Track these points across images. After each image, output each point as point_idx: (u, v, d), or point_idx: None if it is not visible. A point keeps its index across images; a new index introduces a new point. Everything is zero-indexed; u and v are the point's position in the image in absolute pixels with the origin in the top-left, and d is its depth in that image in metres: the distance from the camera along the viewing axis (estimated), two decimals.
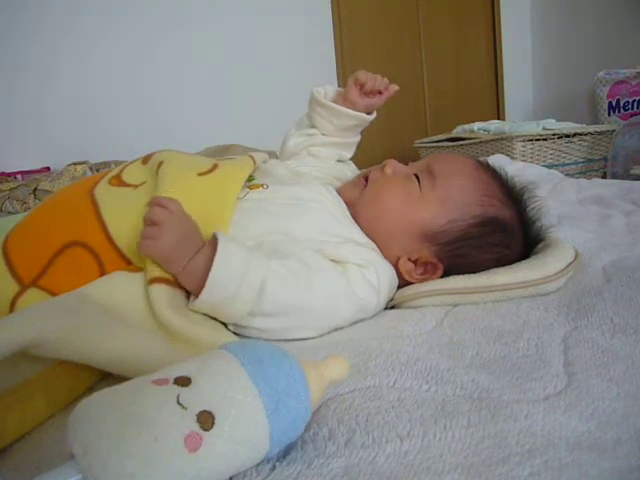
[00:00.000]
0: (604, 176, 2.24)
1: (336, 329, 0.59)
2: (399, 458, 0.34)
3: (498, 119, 3.08)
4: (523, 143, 2.21)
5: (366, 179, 0.72)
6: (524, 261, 0.66)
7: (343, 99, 0.81)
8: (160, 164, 0.64)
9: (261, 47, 2.52)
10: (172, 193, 0.58)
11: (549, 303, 0.59)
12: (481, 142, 2.38)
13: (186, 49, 2.37)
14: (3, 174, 1.87)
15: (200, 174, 0.64)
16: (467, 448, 0.35)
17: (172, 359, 0.38)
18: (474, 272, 0.64)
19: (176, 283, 0.55)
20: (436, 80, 3.10)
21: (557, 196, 1.24)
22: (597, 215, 1.02)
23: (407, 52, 3.02)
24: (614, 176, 2.15)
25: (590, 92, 2.85)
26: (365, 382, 0.43)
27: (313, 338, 0.57)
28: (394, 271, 0.65)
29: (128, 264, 0.58)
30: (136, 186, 0.63)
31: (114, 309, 0.51)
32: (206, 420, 0.30)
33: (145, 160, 0.68)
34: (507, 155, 2.00)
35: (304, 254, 0.59)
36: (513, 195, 0.69)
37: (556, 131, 2.24)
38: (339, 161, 0.85)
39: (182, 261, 0.53)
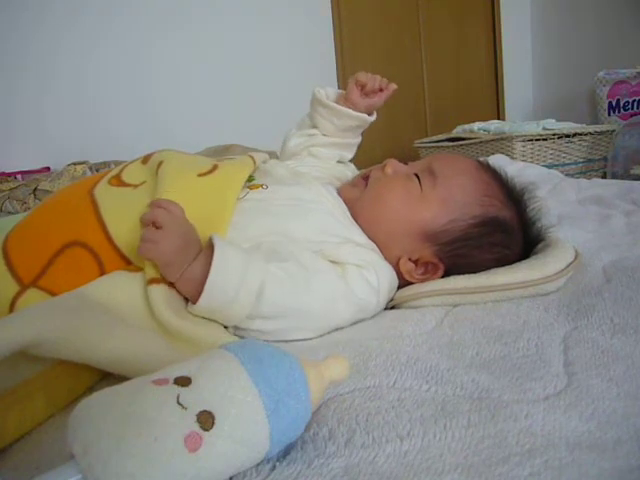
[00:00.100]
0: (604, 176, 2.24)
1: (336, 329, 0.59)
2: (399, 458, 0.34)
3: (498, 119, 3.08)
4: (523, 143, 2.21)
5: (366, 179, 0.72)
6: (524, 261, 0.66)
7: (344, 100, 0.81)
8: (160, 164, 0.64)
9: (261, 47, 2.52)
10: (172, 193, 0.58)
11: (549, 303, 0.59)
12: (481, 142, 2.38)
13: (186, 49, 2.37)
14: (3, 174, 1.87)
15: (200, 175, 0.64)
16: (467, 448, 0.35)
17: (172, 359, 0.38)
18: (474, 272, 0.64)
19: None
20: (436, 80, 3.10)
21: (557, 196, 1.24)
22: (597, 215, 1.02)
23: (407, 52, 3.02)
24: (614, 176, 2.15)
25: (590, 92, 2.85)
26: (365, 382, 0.43)
27: (313, 339, 0.57)
28: (394, 272, 0.65)
29: (128, 264, 0.58)
30: (136, 186, 0.63)
31: (114, 309, 0.51)
32: (206, 420, 0.30)
33: (145, 160, 0.68)
34: (507, 155, 2.00)
35: (303, 255, 0.59)
36: (513, 196, 0.69)
37: (556, 131, 2.24)
38: (339, 162, 0.85)
39: (180, 267, 0.53)
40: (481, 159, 0.77)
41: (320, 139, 0.82)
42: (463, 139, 2.49)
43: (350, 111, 0.80)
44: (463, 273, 0.64)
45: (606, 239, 0.84)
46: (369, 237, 0.66)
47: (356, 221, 0.67)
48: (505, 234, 0.66)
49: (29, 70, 2.08)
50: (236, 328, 0.56)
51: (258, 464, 0.34)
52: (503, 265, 0.65)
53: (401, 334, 0.54)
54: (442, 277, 0.66)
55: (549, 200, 1.12)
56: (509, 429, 0.36)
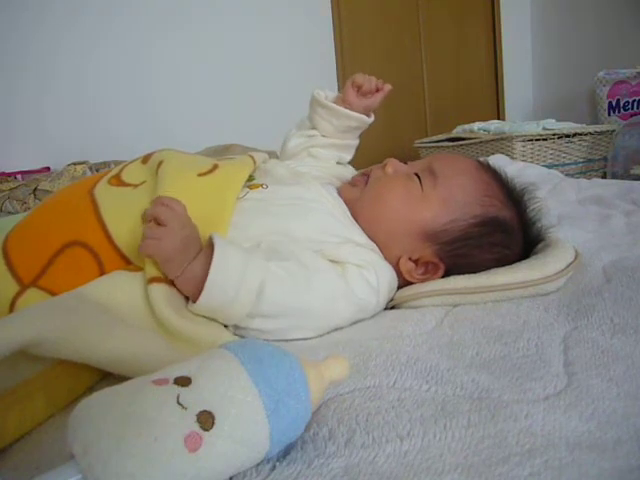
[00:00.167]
0: (604, 176, 2.24)
1: (336, 329, 0.59)
2: (399, 458, 0.34)
3: (498, 119, 3.08)
4: (523, 143, 2.21)
5: (366, 178, 0.72)
6: (524, 261, 0.66)
7: (342, 101, 0.82)
8: (160, 164, 0.64)
9: (261, 47, 2.52)
10: (172, 193, 0.58)
11: (549, 303, 0.59)
12: (481, 142, 2.38)
13: (186, 49, 2.37)
14: (3, 174, 1.87)
15: (200, 174, 0.64)
16: (467, 448, 0.35)
17: (172, 359, 0.38)
18: (474, 272, 0.64)
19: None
20: (436, 80, 3.10)
21: (557, 196, 1.24)
22: (597, 215, 1.02)
23: (407, 52, 3.02)
24: (614, 176, 2.15)
25: (590, 92, 2.85)
26: (365, 382, 0.43)
27: (313, 338, 0.57)
28: (394, 272, 0.65)
29: (128, 264, 0.58)
30: (136, 186, 0.63)
31: (114, 309, 0.51)
32: (206, 420, 0.30)
33: (145, 160, 0.68)
34: (507, 155, 2.00)
35: (303, 255, 0.59)
36: (513, 196, 0.69)
37: (556, 131, 2.24)
38: (338, 163, 0.85)
39: (181, 264, 0.53)
40: (481, 159, 0.77)
41: (319, 140, 0.83)
42: (463, 139, 2.49)
43: (348, 111, 0.80)
44: (463, 273, 0.64)
45: (606, 239, 0.84)
46: (369, 237, 0.66)
47: (356, 221, 0.67)
48: (505, 234, 0.66)
49: (29, 70, 2.08)
50: (236, 327, 0.56)
51: (258, 464, 0.34)
52: (503, 265, 0.65)
53: (401, 334, 0.54)
54: (442, 277, 0.66)
55: (549, 200, 1.13)
56: (509, 429, 0.36)
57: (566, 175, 1.64)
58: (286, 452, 0.35)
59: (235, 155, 0.78)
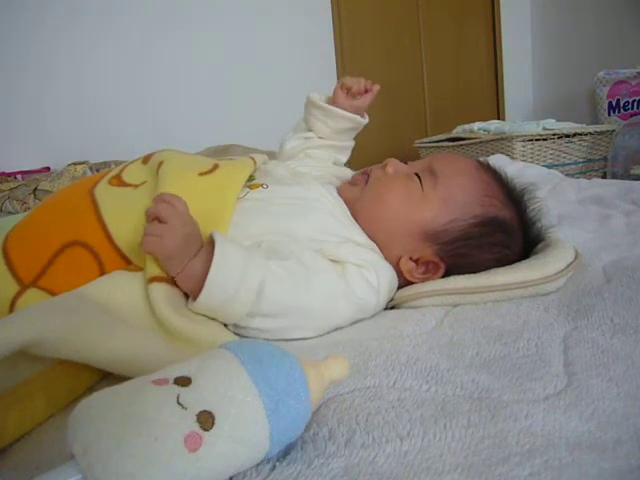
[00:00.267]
0: (604, 176, 2.24)
1: (336, 329, 0.59)
2: (399, 458, 0.34)
3: (498, 119, 3.08)
4: (523, 143, 2.21)
5: (366, 178, 0.72)
6: (524, 261, 0.66)
7: (332, 103, 0.83)
8: (160, 164, 0.64)
9: (261, 47, 2.52)
10: (173, 192, 0.58)
11: (549, 303, 0.59)
12: (481, 142, 2.38)
13: (186, 49, 2.37)
14: (3, 174, 1.87)
15: (201, 174, 0.64)
16: (467, 448, 0.35)
17: (172, 359, 0.38)
18: (474, 272, 0.64)
19: (175, 282, 0.55)
20: (436, 80, 3.10)
21: (557, 196, 1.24)
22: (597, 215, 1.02)
23: (407, 52, 3.02)
24: (614, 176, 2.15)
25: (590, 92, 2.85)
26: (365, 382, 0.43)
27: (313, 338, 0.57)
28: (394, 271, 0.65)
29: (128, 264, 0.58)
30: (136, 186, 0.63)
31: (114, 309, 0.51)
32: (206, 420, 0.30)
33: (145, 160, 0.68)
34: (507, 155, 2.00)
35: (303, 254, 0.59)
36: (514, 196, 0.69)
37: (556, 131, 2.24)
38: (335, 164, 0.86)
39: (182, 262, 0.53)
40: (481, 159, 0.77)
41: (316, 141, 0.84)
42: (463, 139, 2.49)
43: (343, 112, 0.81)
44: (463, 273, 0.64)
45: (606, 239, 0.84)
46: (369, 237, 0.66)
47: (356, 220, 0.67)
48: (505, 234, 0.66)
49: (29, 70, 2.08)
50: (236, 326, 0.56)
51: (258, 464, 0.34)
52: (503, 265, 0.65)
53: (401, 334, 0.54)
54: (442, 277, 0.66)
55: (549, 200, 1.13)
56: (509, 429, 0.36)
57: (566, 175, 1.64)
58: (286, 452, 0.35)
59: (235, 156, 0.78)
